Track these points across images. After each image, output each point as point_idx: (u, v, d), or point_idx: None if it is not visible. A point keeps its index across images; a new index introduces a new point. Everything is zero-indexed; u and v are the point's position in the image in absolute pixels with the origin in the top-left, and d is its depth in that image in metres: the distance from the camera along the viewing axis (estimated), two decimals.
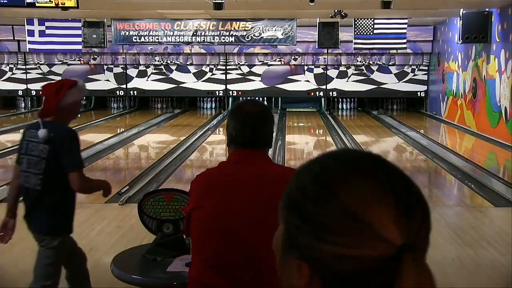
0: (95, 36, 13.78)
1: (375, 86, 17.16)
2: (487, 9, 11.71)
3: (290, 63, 17.27)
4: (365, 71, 17.19)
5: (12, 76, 17.75)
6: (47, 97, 3.35)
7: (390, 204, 0.73)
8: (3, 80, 17.73)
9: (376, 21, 13.58)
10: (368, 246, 0.71)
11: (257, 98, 15.96)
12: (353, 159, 0.77)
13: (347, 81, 17.25)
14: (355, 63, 17.17)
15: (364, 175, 0.75)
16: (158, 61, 17.42)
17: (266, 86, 17.32)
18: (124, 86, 17.56)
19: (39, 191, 3.29)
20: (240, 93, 17.22)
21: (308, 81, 17.32)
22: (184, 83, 17.47)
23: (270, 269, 2.04)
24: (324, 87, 17.28)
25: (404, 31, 13.73)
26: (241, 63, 17.34)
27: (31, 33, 13.96)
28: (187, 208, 2.24)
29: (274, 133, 2.37)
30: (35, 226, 3.36)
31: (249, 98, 15.75)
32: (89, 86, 17.57)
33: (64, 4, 8.75)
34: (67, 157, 3.23)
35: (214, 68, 17.40)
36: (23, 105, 18.33)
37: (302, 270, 0.74)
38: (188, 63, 17.42)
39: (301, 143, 11.70)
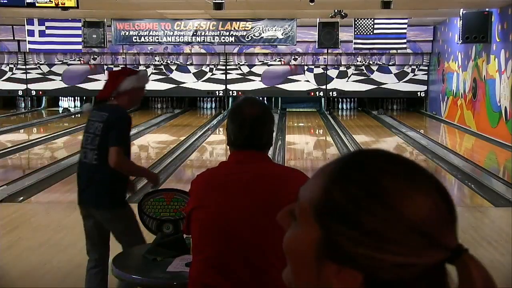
0: (95, 36, 13.78)
1: (375, 86, 17.15)
2: (487, 9, 11.70)
3: (290, 63, 17.26)
4: (365, 71, 17.18)
5: (12, 76, 17.74)
6: (107, 81, 3.64)
7: (444, 211, 0.76)
8: (3, 80, 17.72)
9: (376, 21, 13.58)
10: (429, 253, 0.74)
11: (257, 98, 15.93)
12: (399, 167, 0.78)
13: (347, 81, 17.24)
14: (355, 63, 17.16)
15: (422, 186, 0.76)
16: (158, 61, 17.41)
17: (266, 86, 17.31)
18: None
19: (95, 165, 3.49)
20: (240, 93, 17.20)
21: (308, 81, 17.31)
22: (184, 83, 17.47)
23: (271, 268, 2.04)
24: (324, 87, 17.28)
25: (404, 31, 13.73)
26: (241, 63, 17.34)
27: (31, 33, 13.95)
28: (187, 208, 2.24)
29: (274, 132, 2.35)
30: (92, 201, 3.54)
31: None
32: (89, 86, 17.61)
33: (64, 4, 8.75)
34: (112, 134, 3.46)
35: (214, 68, 17.40)
36: (23, 105, 18.32)
37: (347, 278, 0.74)
38: (188, 63, 17.42)
39: (301, 143, 11.70)
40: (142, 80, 3.71)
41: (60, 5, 8.76)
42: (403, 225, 0.73)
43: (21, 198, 6.77)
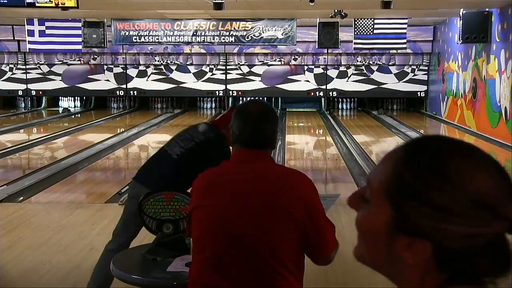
0: (95, 36, 13.78)
1: (375, 86, 17.15)
2: (487, 9, 11.70)
3: (290, 63, 17.26)
4: (365, 71, 17.18)
5: (12, 76, 17.74)
6: (226, 113, 3.72)
7: (504, 186, 0.84)
8: (3, 80, 17.71)
9: (376, 21, 13.57)
10: (492, 224, 0.82)
11: (259, 98, 15.92)
12: (459, 148, 0.88)
13: (347, 81, 17.24)
14: (355, 63, 17.16)
15: (481, 164, 0.86)
16: (158, 61, 17.41)
17: (266, 86, 17.31)
18: (124, 86, 17.55)
19: (174, 160, 3.60)
20: (240, 93, 17.21)
21: (308, 81, 17.31)
22: (184, 83, 17.46)
23: (270, 269, 2.04)
24: (324, 87, 17.28)
25: (404, 31, 13.73)
26: (241, 63, 17.33)
27: (31, 33, 13.95)
28: (189, 208, 2.24)
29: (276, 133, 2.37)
30: (149, 182, 3.59)
31: (252, 98, 15.75)
32: (89, 86, 17.61)
33: (64, 4, 8.75)
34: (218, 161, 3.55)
35: (214, 68, 17.40)
36: (23, 105, 18.32)
37: (418, 248, 0.84)
38: (188, 63, 17.41)
39: (301, 143, 11.70)
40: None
41: (60, 5, 8.76)
42: (467, 199, 0.82)
43: (21, 198, 6.77)
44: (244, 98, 16.76)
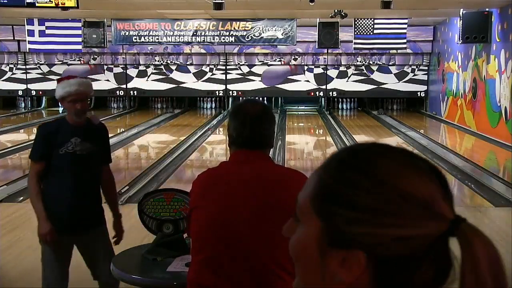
0: (95, 36, 13.78)
1: (375, 86, 17.16)
2: (487, 9, 11.70)
3: (290, 63, 17.26)
4: (365, 71, 17.18)
5: (12, 76, 17.74)
6: None
7: (437, 184, 0.77)
8: (3, 80, 17.72)
9: (376, 21, 13.58)
10: (426, 224, 0.74)
11: (258, 98, 15.92)
12: (385, 149, 0.80)
13: (347, 81, 17.25)
14: (355, 63, 17.16)
15: (407, 160, 0.78)
16: (158, 61, 17.41)
17: (266, 86, 17.32)
18: (124, 86, 17.55)
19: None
20: (240, 93, 17.21)
21: (308, 81, 17.31)
22: (184, 83, 17.46)
23: (269, 270, 2.04)
24: (324, 87, 17.28)
25: (404, 31, 13.73)
26: (241, 63, 17.33)
27: (31, 33, 13.95)
28: (188, 209, 2.23)
29: (274, 133, 2.35)
30: None
31: (249, 97, 15.77)
32: None
33: (64, 4, 8.75)
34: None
35: (214, 68, 17.40)
36: (23, 105, 18.32)
37: (352, 262, 0.75)
38: (188, 63, 17.41)
39: (301, 143, 11.70)
40: (65, 88, 3.34)
41: (60, 5, 8.76)
42: (396, 195, 0.74)
43: (21, 198, 6.77)
44: (244, 98, 16.76)
